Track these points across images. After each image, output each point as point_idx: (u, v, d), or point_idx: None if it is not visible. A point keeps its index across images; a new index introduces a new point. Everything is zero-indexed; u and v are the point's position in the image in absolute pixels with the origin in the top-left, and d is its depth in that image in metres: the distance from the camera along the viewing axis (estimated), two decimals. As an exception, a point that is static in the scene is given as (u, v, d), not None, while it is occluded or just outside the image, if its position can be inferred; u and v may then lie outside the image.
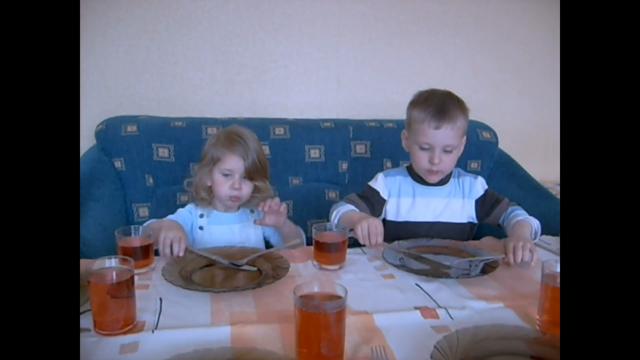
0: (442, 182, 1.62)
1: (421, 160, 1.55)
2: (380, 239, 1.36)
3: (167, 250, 1.31)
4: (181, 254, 1.31)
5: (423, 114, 1.51)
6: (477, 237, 1.64)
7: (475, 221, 1.65)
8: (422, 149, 1.54)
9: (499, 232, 1.65)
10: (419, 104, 1.55)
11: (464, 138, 1.59)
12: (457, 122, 1.51)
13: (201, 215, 1.61)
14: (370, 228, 1.36)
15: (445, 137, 1.50)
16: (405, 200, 1.64)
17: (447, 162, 1.55)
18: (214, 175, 1.57)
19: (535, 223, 1.50)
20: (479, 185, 1.64)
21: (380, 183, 1.65)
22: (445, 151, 1.53)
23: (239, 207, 1.66)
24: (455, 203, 1.62)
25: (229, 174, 1.55)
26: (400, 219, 1.63)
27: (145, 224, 1.52)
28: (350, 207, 1.55)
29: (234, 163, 1.55)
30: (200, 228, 1.59)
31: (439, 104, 1.51)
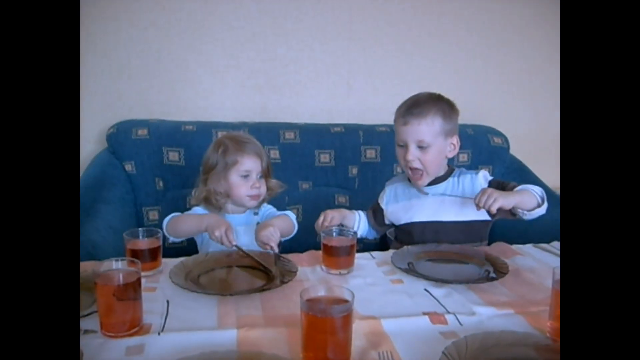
0: (438, 180, 1.61)
1: (400, 158, 1.59)
2: (325, 223, 1.51)
3: (227, 243, 1.38)
4: (234, 242, 1.37)
5: (397, 113, 1.57)
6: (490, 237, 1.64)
7: (487, 218, 1.60)
8: (399, 146, 1.58)
9: (511, 235, 1.63)
10: (399, 105, 1.59)
11: (455, 139, 1.59)
12: (426, 117, 1.51)
13: None
14: (326, 215, 1.52)
15: (416, 132, 1.52)
16: (403, 205, 1.66)
17: (426, 159, 1.54)
18: (230, 178, 1.60)
19: (537, 190, 1.49)
20: (482, 180, 1.61)
21: (382, 193, 1.72)
22: (421, 147, 1.53)
23: (259, 205, 1.68)
24: (451, 201, 1.59)
25: (247, 174, 1.60)
26: (402, 222, 1.65)
27: (169, 219, 1.56)
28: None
29: (252, 163, 1.60)
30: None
31: (411, 101, 1.55)
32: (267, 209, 1.72)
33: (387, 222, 1.70)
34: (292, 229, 1.64)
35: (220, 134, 2.10)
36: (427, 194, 1.62)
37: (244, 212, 1.68)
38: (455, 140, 1.59)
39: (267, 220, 1.59)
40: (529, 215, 1.47)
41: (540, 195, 1.48)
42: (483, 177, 1.62)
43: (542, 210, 1.47)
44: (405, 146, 1.55)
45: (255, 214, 1.68)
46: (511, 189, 1.54)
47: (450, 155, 1.61)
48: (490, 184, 1.60)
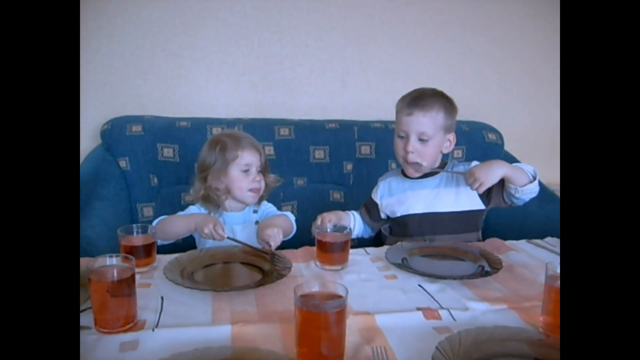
0: (433, 173, 1.63)
1: (398, 149, 1.60)
2: (320, 223, 1.47)
3: (218, 237, 1.40)
4: (225, 236, 1.39)
5: (400, 104, 1.58)
6: (483, 233, 1.64)
7: (482, 207, 1.62)
8: (399, 137, 1.59)
9: (505, 231, 1.64)
10: (402, 97, 1.61)
11: (452, 135, 1.61)
12: (431, 111, 1.53)
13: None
14: (323, 218, 1.50)
15: (418, 124, 1.53)
16: (397, 198, 1.67)
17: (424, 152, 1.56)
18: (231, 174, 1.60)
19: (529, 167, 1.52)
20: None
21: (375, 188, 1.73)
22: (421, 140, 1.54)
23: (259, 202, 1.69)
24: (446, 193, 1.61)
25: (247, 169, 1.60)
26: (397, 214, 1.66)
27: (157, 222, 1.54)
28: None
29: (252, 157, 1.61)
30: None
31: (415, 94, 1.57)
32: (267, 207, 1.72)
33: (382, 216, 1.71)
34: (292, 231, 1.64)
35: (215, 130, 2.11)
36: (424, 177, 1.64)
37: (243, 209, 1.68)
38: (452, 137, 1.62)
39: (269, 219, 1.59)
40: (521, 194, 1.49)
41: (532, 174, 1.50)
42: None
43: (534, 188, 1.49)
44: (406, 137, 1.56)
45: (255, 211, 1.68)
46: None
47: (445, 151, 1.63)
48: None
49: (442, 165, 1.65)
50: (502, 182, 1.51)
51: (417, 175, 1.61)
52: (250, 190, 1.62)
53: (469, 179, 1.44)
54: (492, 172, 1.44)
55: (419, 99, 1.55)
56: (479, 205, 1.61)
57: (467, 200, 1.60)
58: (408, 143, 1.55)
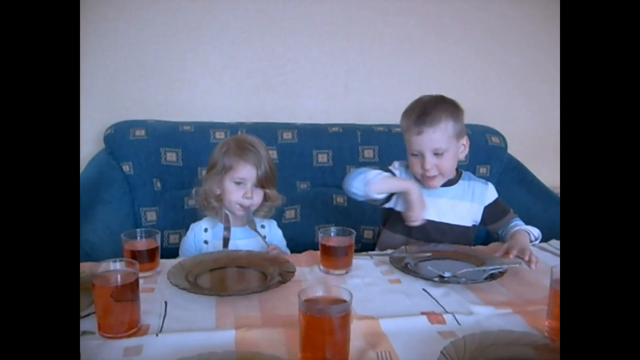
0: (450, 183, 1.60)
1: (414, 167, 1.55)
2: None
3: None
4: None
5: (407, 122, 1.53)
6: (489, 237, 1.64)
7: (478, 224, 1.65)
8: (413, 155, 1.54)
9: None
10: (405, 112, 1.55)
11: (464, 139, 1.57)
12: (440, 124, 1.48)
13: (205, 230, 1.60)
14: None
15: (430, 141, 1.49)
16: None
17: (442, 164, 1.52)
18: (225, 183, 1.54)
19: (535, 232, 1.54)
20: (490, 192, 1.63)
21: (397, 170, 1.64)
22: (437, 154, 1.51)
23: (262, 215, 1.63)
24: (461, 206, 1.60)
25: (241, 182, 1.53)
26: None
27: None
28: (385, 174, 1.57)
29: (247, 172, 1.53)
30: (205, 242, 1.58)
31: (420, 110, 1.50)
32: (276, 230, 1.67)
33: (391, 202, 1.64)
34: None
35: (218, 134, 2.11)
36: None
37: (244, 225, 1.58)
38: (465, 140, 1.58)
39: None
40: None
41: (536, 236, 1.53)
42: (492, 191, 1.65)
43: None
44: (420, 155, 1.51)
45: (262, 226, 1.63)
46: (510, 217, 1.62)
47: (462, 157, 1.60)
48: (497, 202, 1.64)
49: (459, 175, 1.63)
50: (501, 224, 1.62)
51: (437, 186, 1.57)
52: (240, 204, 1.54)
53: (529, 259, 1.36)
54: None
55: (425, 114, 1.48)
56: (477, 222, 1.64)
57: (472, 217, 1.63)
58: (424, 161, 1.50)
